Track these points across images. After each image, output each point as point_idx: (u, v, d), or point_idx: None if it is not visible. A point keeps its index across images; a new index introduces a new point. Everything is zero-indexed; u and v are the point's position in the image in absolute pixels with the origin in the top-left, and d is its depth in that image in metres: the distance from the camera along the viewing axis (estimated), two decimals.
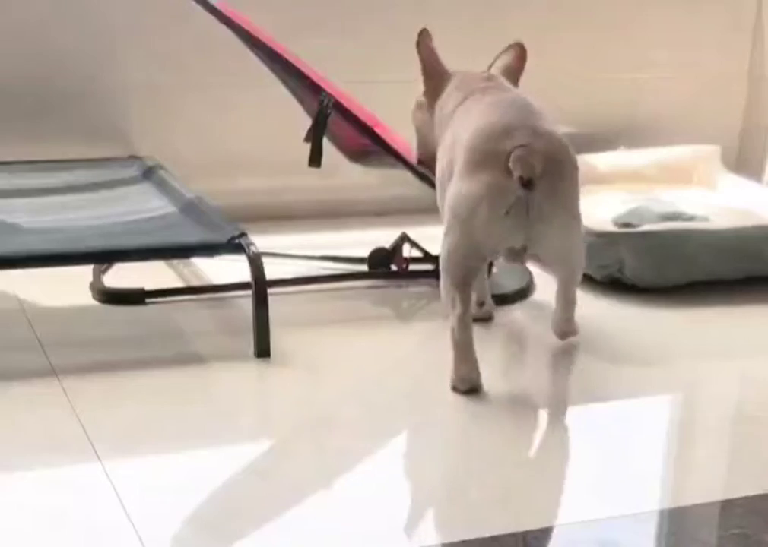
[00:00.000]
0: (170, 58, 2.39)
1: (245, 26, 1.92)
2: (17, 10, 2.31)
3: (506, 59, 1.88)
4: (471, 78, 1.85)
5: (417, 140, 1.93)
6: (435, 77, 1.86)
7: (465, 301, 1.63)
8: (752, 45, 2.92)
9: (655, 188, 2.59)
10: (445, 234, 1.66)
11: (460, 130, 1.72)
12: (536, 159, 1.57)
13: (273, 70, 2.02)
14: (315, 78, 1.96)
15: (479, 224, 1.60)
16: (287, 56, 1.94)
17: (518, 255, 1.66)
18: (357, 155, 2.11)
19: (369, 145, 2.02)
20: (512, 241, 1.62)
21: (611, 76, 2.81)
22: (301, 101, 2.07)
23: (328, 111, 1.90)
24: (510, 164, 1.57)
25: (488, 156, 1.61)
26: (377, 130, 1.99)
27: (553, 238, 1.63)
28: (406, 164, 2.00)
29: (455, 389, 1.63)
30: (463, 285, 1.64)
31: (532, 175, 1.56)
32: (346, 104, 1.95)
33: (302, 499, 1.33)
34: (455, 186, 1.65)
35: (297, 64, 1.95)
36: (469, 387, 1.63)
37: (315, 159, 1.91)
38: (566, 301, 1.77)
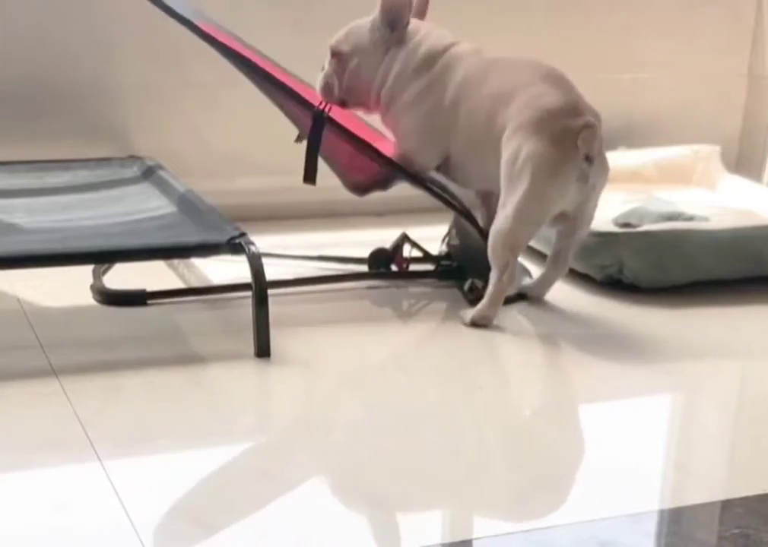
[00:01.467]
0: (170, 58, 2.39)
1: (228, 43, 1.90)
2: (16, 10, 2.31)
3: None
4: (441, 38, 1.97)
5: (345, 80, 1.95)
6: (404, 24, 1.93)
7: (514, 264, 1.88)
8: (752, 45, 2.92)
9: (655, 188, 2.60)
10: (518, 197, 1.81)
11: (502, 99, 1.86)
12: (597, 138, 1.83)
13: (261, 88, 1.99)
14: (305, 94, 1.93)
15: (555, 188, 1.82)
16: (273, 72, 1.91)
17: (561, 220, 1.89)
18: (361, 187, 2.07)
19: (372, 173, 2.00)
20: (568, 205, 1.86)
21: (611, 76, 2.81)
22: (293, 120, 2.04)
23: (323, 123, 1.87)
24: (579, 142, 1.79)
25: (563, 132, 1.81)
26: (377, 145, 1.96)
27: (592, 203, 1.91)
28: (415, 180, 1.98)
29: (474, 324, 1.88)
30: (519, 249, 1.88)
31: (594, 153, 1.83)
32: (340, 119, 1.92)
33: (302, 499, 1.34)
34: (530, 153, 1.80)
35: (285, 80, 1.92)
36: (486, 324, 1.88)
37: (310, 176, 1.89)
38: (566, 260, 1.97)
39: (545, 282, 2.02)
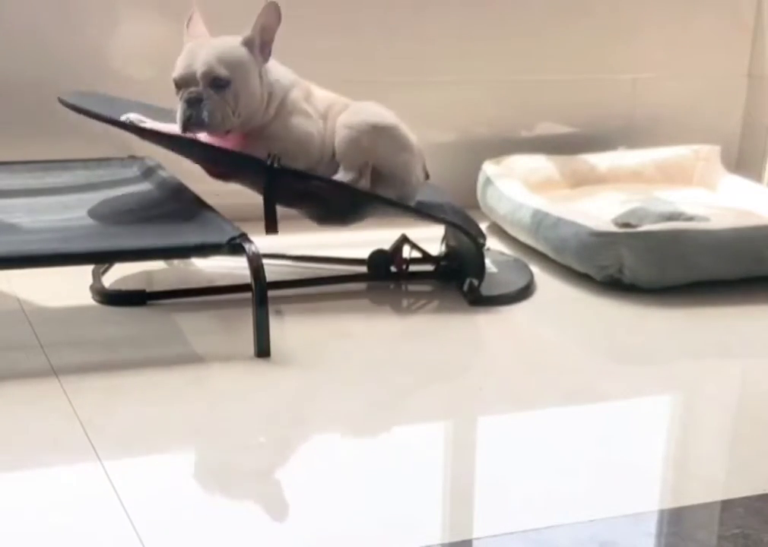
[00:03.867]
0: (168, 59, 2.39)
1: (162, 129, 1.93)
2: (17, 10, 2.31)
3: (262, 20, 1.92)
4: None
5: (240, 106, 1.89)
6: (272, 44, 1.93)
7: None
8: (752, 45, 2.92)
9: (655, 188, 2.60)
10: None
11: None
12: None
13: (205, 161, 2.01)
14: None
15: None
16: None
17: None
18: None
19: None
20: None
21: (611, 76, 2.81)
22: (243, 181, 2.03)
23: (275, 175, 1.89)
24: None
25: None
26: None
27: None
28: (395, 205, 2.00)
29: None
30: None
31: None
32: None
33: (303, 498, 1.33)
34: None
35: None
36: None
37: (272, 227, 1.91)
38: None
39: None
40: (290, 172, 1.92)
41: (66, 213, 1.96)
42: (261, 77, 1.91)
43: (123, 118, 1.93)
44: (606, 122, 2.81)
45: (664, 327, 1.95)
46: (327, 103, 2.01)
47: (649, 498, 1.37)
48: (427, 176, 2.08)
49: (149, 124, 1.94)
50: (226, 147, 1.93)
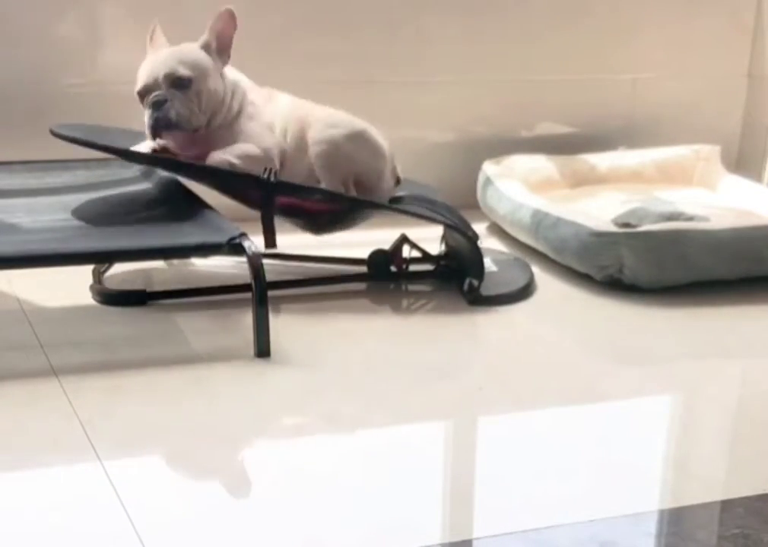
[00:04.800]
0: None
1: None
2: (17, 10, 2.31)
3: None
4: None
5: (203, 105, 1.92)
6: (230, 49, 1.97)
7: None
8: (752, 45, 2.92)
9: (655, 188, 2.60)
10: None
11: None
12: None
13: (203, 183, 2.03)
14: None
15: None
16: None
17: None
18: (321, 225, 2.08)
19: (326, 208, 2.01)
20: None
21: (611, 76, 2.81)
22: (244, 199, 2.04)
23: (272, 181, 1.90)
24: None
25: None
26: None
27: None
28: (380, 207, 2.01)
29: None
30: None
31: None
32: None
33: (303, 498, 1.33)
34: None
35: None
36: None
37: (271, 242, 1.92)
38: None
39: None
40: (287, 186, 1.93)
41: (66, 213, 1.96)
42: (222, 77, 1.96)
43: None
44: (606, 122, 2.81)
45: (664, 327, 1.95)
46: (289, 110, 2.02)
47: (649, 498, 1.37)
48: (398, 181, 2.08)
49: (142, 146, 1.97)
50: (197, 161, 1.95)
